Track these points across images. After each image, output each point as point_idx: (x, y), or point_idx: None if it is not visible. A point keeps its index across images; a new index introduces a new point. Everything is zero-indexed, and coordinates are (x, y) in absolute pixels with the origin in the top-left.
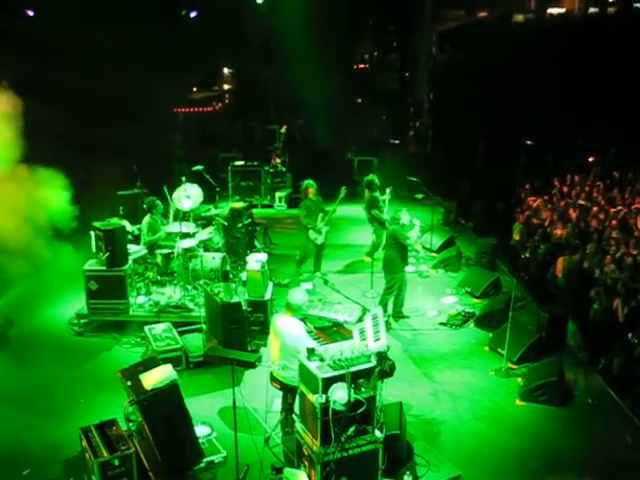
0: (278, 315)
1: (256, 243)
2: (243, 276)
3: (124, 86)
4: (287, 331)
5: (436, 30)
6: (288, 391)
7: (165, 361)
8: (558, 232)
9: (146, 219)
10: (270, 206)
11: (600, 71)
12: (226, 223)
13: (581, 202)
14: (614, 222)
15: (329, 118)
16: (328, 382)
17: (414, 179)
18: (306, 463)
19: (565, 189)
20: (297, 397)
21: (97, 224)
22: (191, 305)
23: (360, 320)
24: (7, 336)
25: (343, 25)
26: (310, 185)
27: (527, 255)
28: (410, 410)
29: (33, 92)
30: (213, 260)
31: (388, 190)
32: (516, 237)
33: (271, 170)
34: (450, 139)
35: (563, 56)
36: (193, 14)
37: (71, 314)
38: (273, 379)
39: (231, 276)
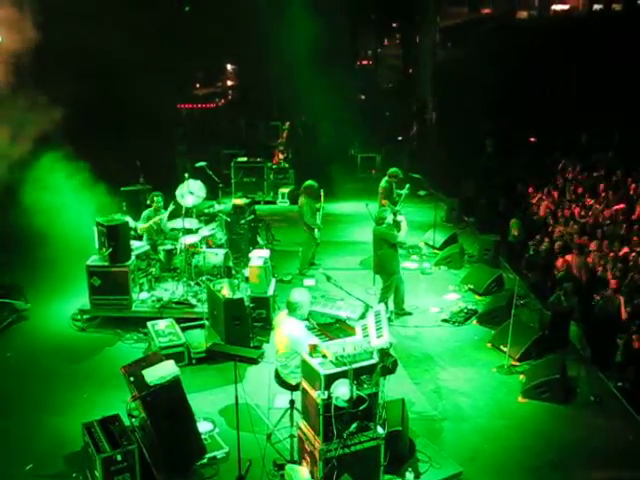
0: (280, 313)
1: (259, 239)
2: (246, 272)
3: (126, 82)
4: (286, 331)
5: (439, 26)
6: (286, 388)
7: (168, 357)
8: (561, 230)
9: (145, 213)
10: (273, 202)
11: (605, 68)
12: (229, 219)
13: (586, 200)
14: (618, 218)
15: (332, 114)
16: (330, 378)
17: (417, 176)
18: (308, 459)
19: (568, 186)
20: (299, 393)
21: (100, 220)
22: (194, 301)
23: (363, 317)
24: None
25: (346, 21)
26: (313, 185)
27: (531, 253)
28: (412, 407)
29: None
30: (216, 256)
31: (407, 185)
32: (514, 233)
33: (274, 166)
34: (453, 136)
35: (567, 53)
36: None
37: (74, 310)
38: (276, 375)
39: (234, 272)
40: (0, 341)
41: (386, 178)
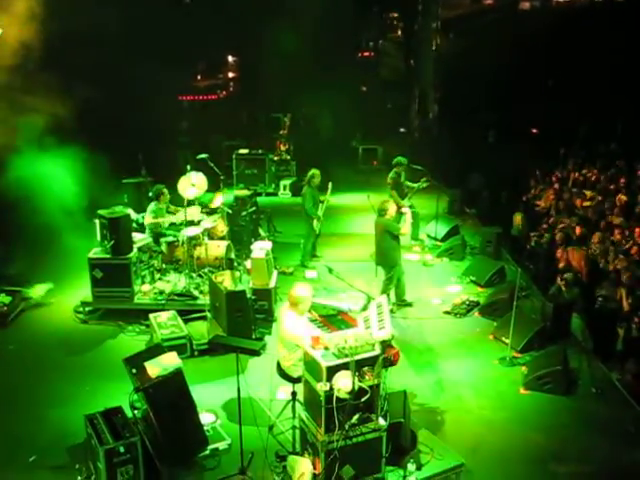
0: (282, 305)
1: (260, 231)
2: (247, 264)
3: (127, 73)
4: (286, 326)
5: (441, 17)
6: (288, 380)
7: (170, 349)
8: (563, 221)
9: (151, 206)
10: (274, 194)
11: (607, 59)
12: (230, 211)
13: (586, 191)
14: (616, 210)
15: (333, 106)
16: (332, 370)
17: (419, 167)
18: (310, 451)
19: (570, 177)
20: (302, 385)
21: (102, 212)
22: (196, 293)
23: (365, 308)
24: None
25: (348, 12)
26: (316, 174)
27: (532, 245)
28: (414, 398)
29: None
30: (218, 248)
31: (424, 179)
32: (517, 226)
33: (275, 158)
34: (455, 127)
35: (569, 43)
36: None
37: (76, 302)
38: (278, 367)
39: (235, 264)
40: (2, 333)
41: (394, 169)
